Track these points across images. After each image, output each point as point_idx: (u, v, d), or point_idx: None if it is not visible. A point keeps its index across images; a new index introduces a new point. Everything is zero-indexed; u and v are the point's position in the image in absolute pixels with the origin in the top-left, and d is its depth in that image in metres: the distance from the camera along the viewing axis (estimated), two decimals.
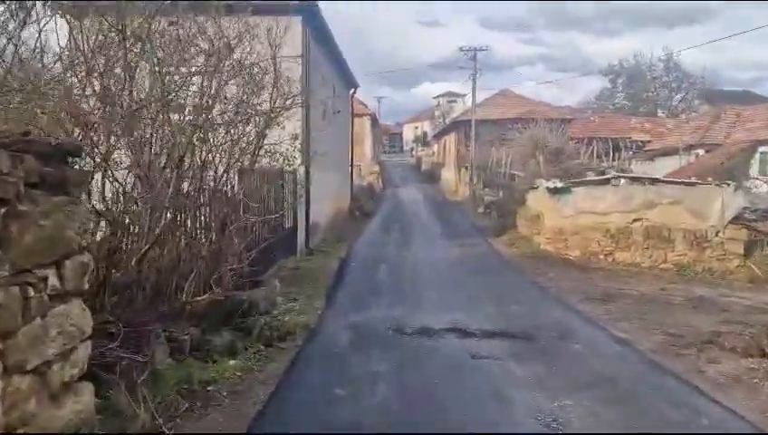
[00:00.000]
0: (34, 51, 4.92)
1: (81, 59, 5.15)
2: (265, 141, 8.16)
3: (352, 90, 22.81)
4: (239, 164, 7.62)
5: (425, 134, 67.07)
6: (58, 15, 5.37)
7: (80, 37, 5.20)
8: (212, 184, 7.02)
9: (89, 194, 4.75)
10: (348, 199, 23.91)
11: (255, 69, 7.52)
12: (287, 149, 9.20)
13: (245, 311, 6.45)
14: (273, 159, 9.00)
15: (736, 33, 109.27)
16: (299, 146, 10.69)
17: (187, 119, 6.44)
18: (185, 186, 6.38)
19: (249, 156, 7.76)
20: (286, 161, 9.53)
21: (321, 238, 15.24)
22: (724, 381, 5.60)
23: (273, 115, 7.91)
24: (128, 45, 5.35)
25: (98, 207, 5.04)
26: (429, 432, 4.46)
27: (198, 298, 6.02)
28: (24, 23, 4.65)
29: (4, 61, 4.62)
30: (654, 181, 13.73)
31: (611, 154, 24.47)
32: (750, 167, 17.89)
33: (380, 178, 39.25)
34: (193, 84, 6.56)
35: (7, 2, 4.61)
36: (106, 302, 4.76)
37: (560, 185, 14.28)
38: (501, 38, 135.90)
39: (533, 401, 4.96)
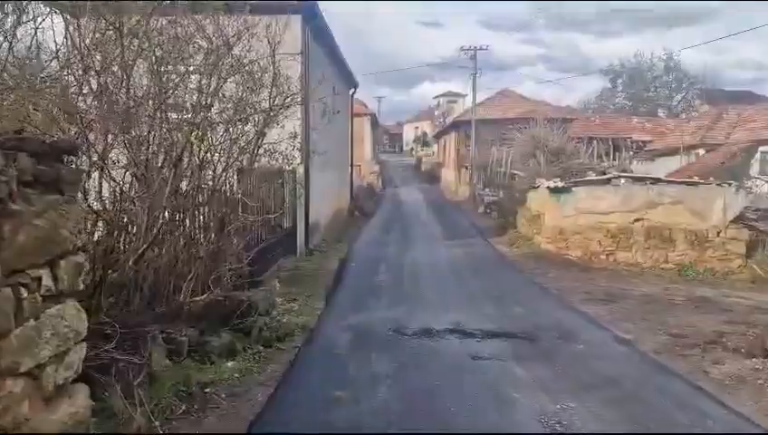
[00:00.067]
0: (30, 48, 4.87)
1: (78, 57, 5.09)
2: (265, 140, 8.09)
3: (352, 89, 22.74)
4: (238, 163, 7.56)
5: (425, 134, 67.06)
6: (54, 13, 5.33)
7: (76, 35, 5.14)
8: (210, 183, 6.95)
9: (85, 193, 4.70)
10: (347, 199, 23.85)
11: (254, 67, 7.46)
12: (286, 149, 9.14)
13: (244, 312, 6.36)
14: (273, 159, 8.94)
15: (737, 33, 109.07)
16: (298, 145, 10.62)
17: (185, 117, 6.39)
18: (183, 185, 6.32)
19: (248, 155, 7.69)
20: (285, 161, 9.47)
21: (320, 238, 15.17)
22: (729, 382, 5.54)
23: (272, 114, 7.84)
24: (125, 43, 5.29)
25: (95, 206, 4.98)
26: (429, 432, 4.41)
27: (196, 299, 5.97)
28: (20, 20, 4.60)
29: None
30: (655, 181, 13.65)
31: (612, 154, 24.40)
32: (751, 167, 17.86)
33: (380, 178, 39.30)
34: (191, 82, 6.51)
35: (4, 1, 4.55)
36: (102, 303, 4.70)
37: (560, 185, 14.19)
38: (501, 38, 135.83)
39: (536, 402, 4.90)
